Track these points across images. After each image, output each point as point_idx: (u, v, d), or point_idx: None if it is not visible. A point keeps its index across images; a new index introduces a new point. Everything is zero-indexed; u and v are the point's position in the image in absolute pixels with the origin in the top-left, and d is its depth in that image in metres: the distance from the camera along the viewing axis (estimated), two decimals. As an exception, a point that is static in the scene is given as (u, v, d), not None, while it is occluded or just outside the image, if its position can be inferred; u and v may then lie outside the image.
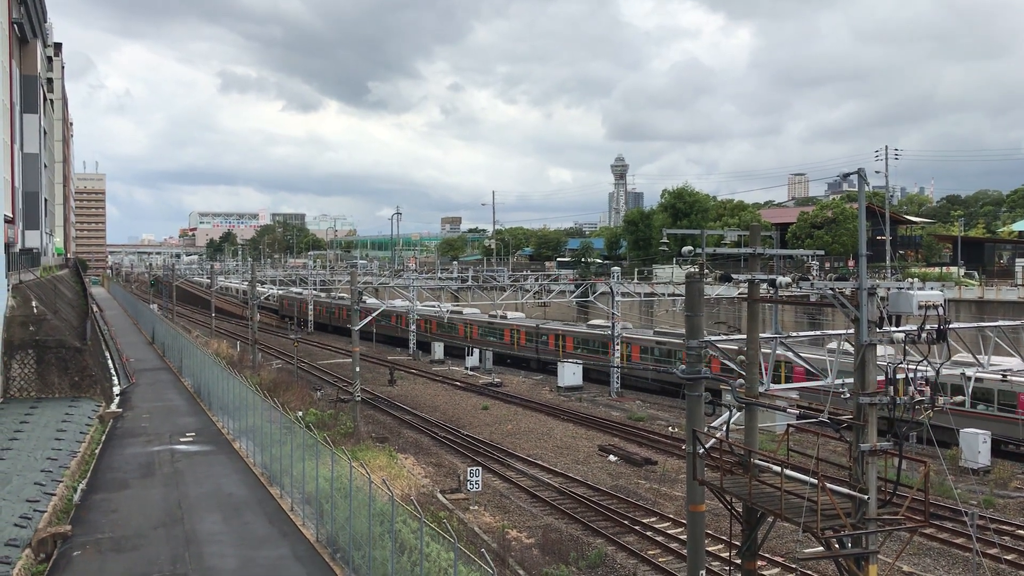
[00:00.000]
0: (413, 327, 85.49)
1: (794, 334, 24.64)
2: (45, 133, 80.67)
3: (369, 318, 63.39)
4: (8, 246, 48.39)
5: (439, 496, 32.38)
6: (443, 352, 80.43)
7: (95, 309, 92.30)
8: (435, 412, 53.39)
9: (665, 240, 67.21)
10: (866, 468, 15.81)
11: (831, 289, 16.63)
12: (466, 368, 73.42)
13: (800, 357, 22.53)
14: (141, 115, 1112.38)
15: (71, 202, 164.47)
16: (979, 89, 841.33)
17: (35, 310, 46.74)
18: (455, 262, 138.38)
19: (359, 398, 46.89)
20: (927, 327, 16.20)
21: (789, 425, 20.57)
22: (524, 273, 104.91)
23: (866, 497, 15.75)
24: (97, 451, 35.81)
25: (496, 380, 65.49)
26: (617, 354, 60.73)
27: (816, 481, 15.42)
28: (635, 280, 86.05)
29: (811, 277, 17.51)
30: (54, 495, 26.87)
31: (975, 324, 29.86)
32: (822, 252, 36.92)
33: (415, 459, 39.69)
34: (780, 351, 22.36)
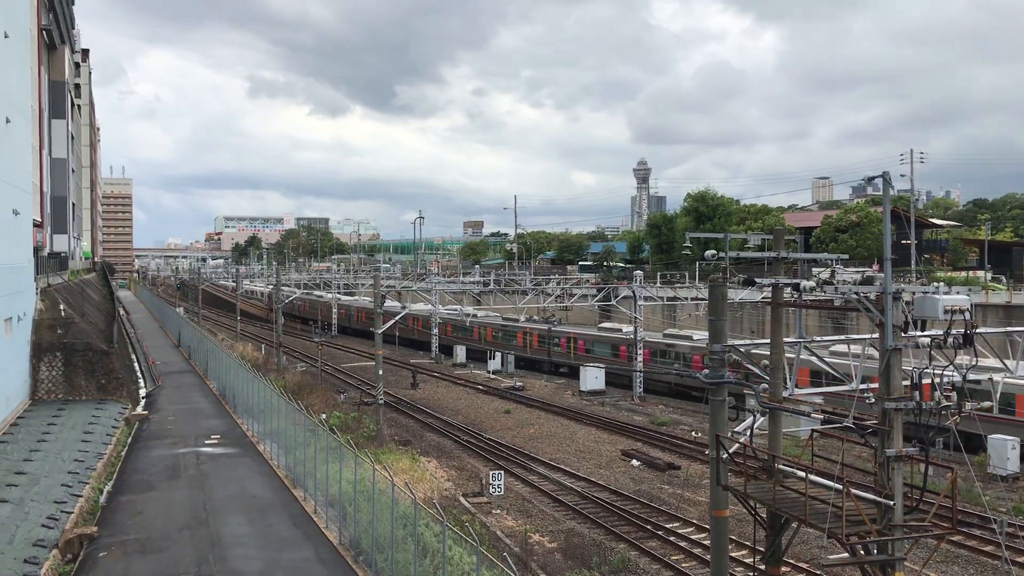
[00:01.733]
0: (435, 331, 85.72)
1: (818, 338, 24.44)
2: (73, 138, 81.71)
3: (392, 322, 63.67)
4: (36, 250, 49.00)
5: (461, 500, 32.44)
6: (465, 355, 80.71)
7: (122, 312, 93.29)
8: (457, 415, 53.46)
9: (688, 244, 66.98)
10: (892, 474, 15.65)
11: (856, 293, 16.48)
12: (488, 372, 73.49)
13: (824, 362, 22.35)
14: (169, 120, 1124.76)
15: (98, 206, 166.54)
16: (1010, 91, 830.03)
17: (63, 313, 47.32)
18: (477, 266, 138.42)
19: (382, 401, 47.01)
20: (953, 332, 16.01)
21: (813, 430, 20.42)
22: (548, 277, 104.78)
23: (892, 503, 15.58)
24: (123, 453, 36.15)
25: (518, 384, 65.50)
26: (640, 358, 60.69)
27: (841, 487, 15.29)
28: (658, 284, 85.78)
29: (835, 281, 17.36)
30: (81, 496, 27.16)
31: (1003, 329, 29.48)
32: (846, 256, 36.56)
33: (437, 462, 39.78)
34: (804, 355, 22.19)
